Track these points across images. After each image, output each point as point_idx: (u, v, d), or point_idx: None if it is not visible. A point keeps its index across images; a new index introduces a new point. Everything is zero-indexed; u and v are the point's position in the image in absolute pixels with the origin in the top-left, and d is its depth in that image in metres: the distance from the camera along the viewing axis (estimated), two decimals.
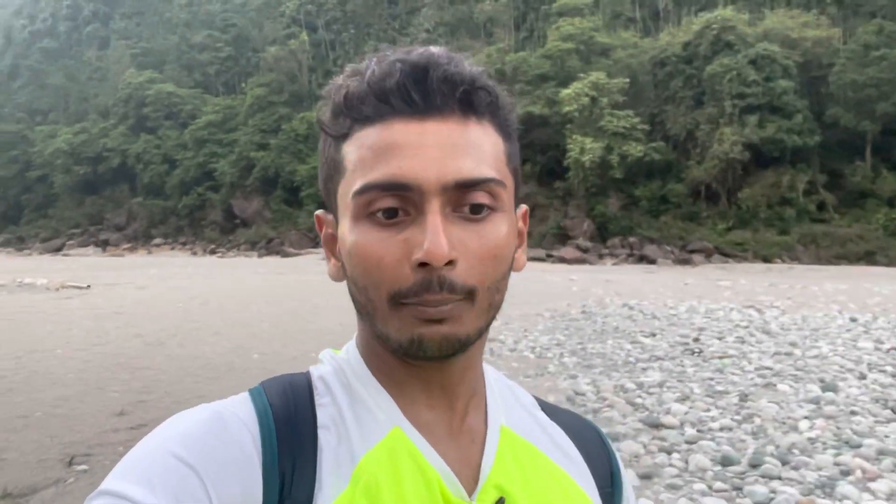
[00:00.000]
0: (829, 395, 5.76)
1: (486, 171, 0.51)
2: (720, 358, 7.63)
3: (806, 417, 5.10)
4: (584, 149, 39.48)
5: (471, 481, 0.55)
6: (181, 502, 0.44)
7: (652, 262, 33.93)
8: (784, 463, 4.13)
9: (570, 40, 45.05)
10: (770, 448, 4.42)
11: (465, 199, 0.50)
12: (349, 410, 0.55)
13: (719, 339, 9.01)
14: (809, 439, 4.61)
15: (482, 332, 0.54)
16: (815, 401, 5.59)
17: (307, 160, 46.34)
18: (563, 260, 34.80)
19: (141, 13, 75.19)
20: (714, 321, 10.87)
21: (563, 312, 12.13)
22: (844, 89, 35.55)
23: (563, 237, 39.53)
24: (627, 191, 41.16)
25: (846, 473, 3.94)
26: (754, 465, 4.08)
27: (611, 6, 50.86)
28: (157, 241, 54.26)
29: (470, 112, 0.52)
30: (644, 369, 7.18)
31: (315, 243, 36.89)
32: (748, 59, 38.76)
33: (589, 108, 40.28)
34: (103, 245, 53.88)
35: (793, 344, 8.43)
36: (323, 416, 0.54)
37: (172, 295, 15.95)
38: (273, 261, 36.78)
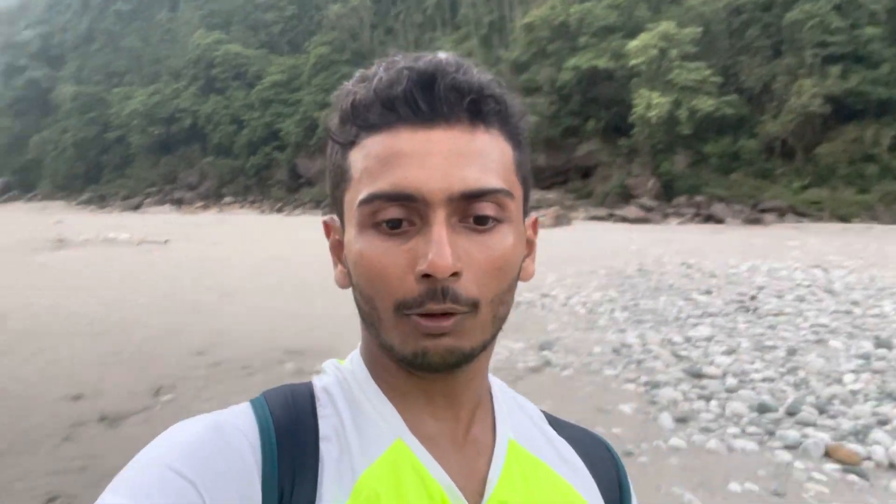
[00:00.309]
0: (882, 351, 5.67)
1: (492, 181, 0.50)
2: (775, 315, 7.52)
3: (852, 371, 5.07)
4: (650, 104, 38.09)
5: (475, 495, 0.54)
6: None
7: (720, 221, 32.80)
8: (822, 412, 4.17)
9: None
10: (810, 398, 4.45)
11: (471, 209, 0.50)
12: (351, 422, 0.54)
13: (778, 297, 8.84)
14: (852, 391, 4.61)
15: (487, 345, 0.53)
16: (866, 356, 5.52)
17: None
18: (624, 219, 34.07)
19: None
20: (775, 280, 10.61)
21: (618, 270, 12.05)
22: None
23: (627, 196, 38.59)
24: (696, 147, 39.61)
25: (883, 423, 3.95)
26: (791, 413, 4.14)
27: None
28: (227, 199, 56.13)
29: (478, 120, 0.51)
30: (694, 325, 7.16)
31: None
32: (832, 5, 36.24)
33: (657, 60, 38.69)
34: (178, 203, 56.15)
35: (854, 303, 8.21)
36: (325, 427, 0.54)
37: (242, 249, 16.70)
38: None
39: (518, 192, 0.53)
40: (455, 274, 0.48)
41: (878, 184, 33.24)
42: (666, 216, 35.76)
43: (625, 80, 39.80)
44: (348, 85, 0.54)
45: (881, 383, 4.79)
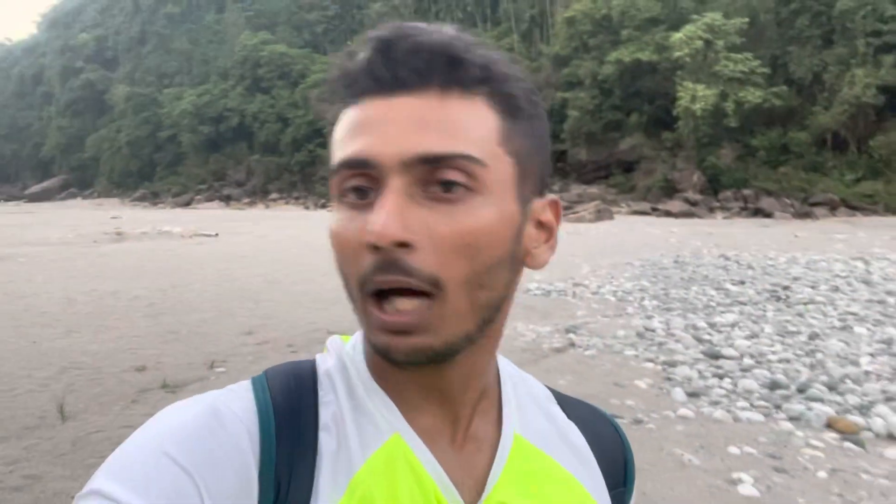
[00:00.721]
0: None
1: (457, 146, 0.46)
2: (804, 304, 7.61)
3: (870, 354, 5.20)
4: (695, 96, 37.50)
5: (473, 493, 0.52)
6: None
7: (768, 215, 32.09)
8: (832, 389, 4.34)
9: None
10: (823, 378, 4.62)
11: (434, 177, 0.46)
12: (350, 413, 0.52)
13: (812, 287, 8.89)
14: (865, 372, 4.76)
15: (473, 337, 0.49)
16: (888, 342, 5.62)
17: None
18: (668, 214, 33.65)
19: None
20: (812, 271, 10.61)
21: (654, 262, 12.16)
22: None
23: (670, 190, 38.07)
24: (743, 140, 38.80)
25: (890, 399, 4.11)
26: (801, 391, 4.33)
27: None
28: (274, 195, 57.46)
29: (451, 85, 0.47)
30: (722, 312, 7.31)
31: None
32: None
33: (702, 52, 38.04)
34: (226, 200, 57.75)
35: (889, 292, 8.21)
36: (325, 415, 0.52)
37: (288, 242, 17.35)
38: None
39: (503, 164, 0.48)
40: (405, 245, 0.44)
41: None
42: (711, 210, 35.20)
43: (668, 73, 39.27)
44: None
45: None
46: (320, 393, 0.53)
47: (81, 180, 72.86)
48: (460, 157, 0.45)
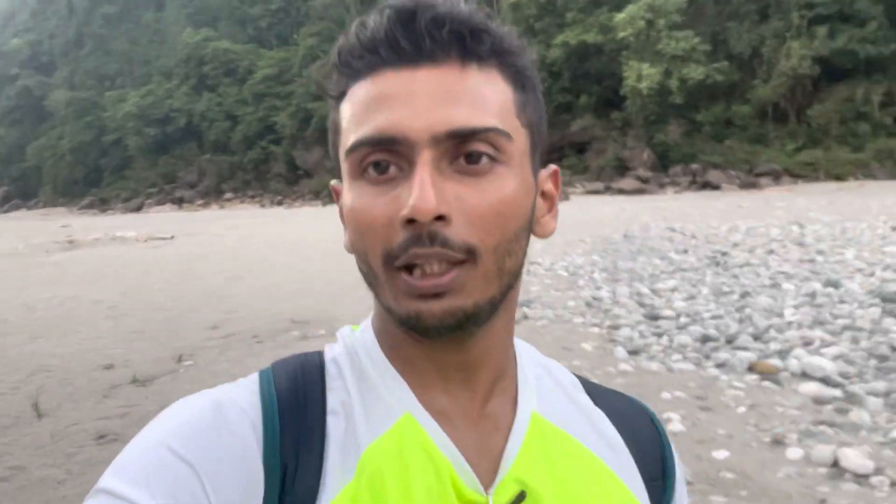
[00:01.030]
0: (829, 290, 6.29)
1: (485, 119, 0.46)
2: (740, 267, 8.14)
3: (794, 307, 5.69)
4: (641, 75, 38.36)
5: (490, 473, 0.51)
6: (178, 502, 0.43)
7: (716, 188, 33.18)
8: (756, 339, 4.79)
9: None
10: (750, 329, 5.07)
11: (461, 150, 0.46)
12: (359, 395, 0.52)
13: (749, 252, 9.46)
14: (788, 322, 5.23)
15: (496, 303, 0.49)
16: (812, 295, 6.13)
17: None
18: (621, 191, 34.49)
19: None
20: (751, 237, 11.23)
21: (604, 237, 12.67)
22: None
23: (622, 169, 38.97)
24: (689, 116, 39.89)
25: (807, 344, 4.58)
26: (729, 342, 4.77)
27: None
28: (228, 195, 56.66)
29: (470, 58, 0.47)
30: (665, 279, 7.77)
31: None
32: None
33: (645, 31, 38.88)
34: (179, 202, 56.70)
35: (820, 252, 8.81)
36: (333, 400, 0.52)
37: (246, 240, 17.35)
38: (335, 208, 38.01)
39: (520, 136, 0.49)
40: (442, 218, 0.44)
41: (871, 142, 33.55)
42: (662, 186, 36.16)
43: (614, 54, 40.03)
44: (342, 36, 0.51)
45: (816, 314, 5.43)
46: (328, 380, 0.53)
47: (24, 191, 70.46)
48: (490, 130, 0.46)
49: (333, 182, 0.56)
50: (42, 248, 17.95)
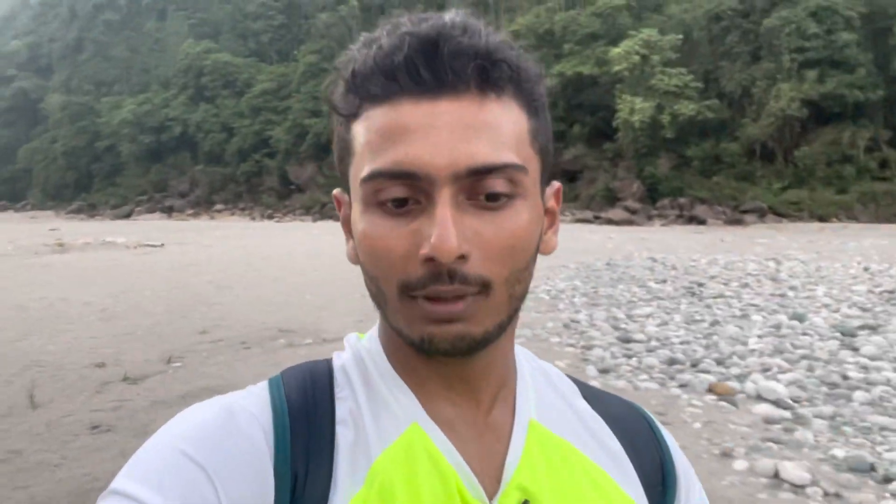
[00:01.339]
0: (794, 322, 6.61)
1: (503, 155, 0.46)
2: (713, 298, 8.46)
3: (758, 336, 5.99)
4: (633, 109, 39.02)
5: (493, 482, 0.51)
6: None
7: (702, 222, 33.66)
8: (719, 363, 5.08)
9: None
10: (714, 355, 5.37)
11: (480, 186, 0.46)
12: (367, 405, 0.52)
13: (724, 284, 9.79)
14: (751, 350, 5.52)
15: (504, 326, 0.50)
16: (777, 326, 6.44)
17: None
18: (610, 221, 34.90)
19: None
20: (728, 271, 11.58)
21: (588, 264, 12.98)
22: None
23: (612, 199, 39.50)
24: (679, 151, 40.54)
25: (766, 370, 4.87)
26: (694, 365, 5.05)
27: None
28: (219, 206, 56.68)
29: (488, 88, 0.47)
30: (642, 306, 8.07)
31: None
32: (808, 12, 37.33)
33: (639, 66, 39.65)
34: (168, 211, 56.64)
35: (792, 287, 9.15)
36: (341, 410, 0.52)
37: (236, 251, 17.52)
38: (326, 224, 38.52)
39: (534, 164, 0.50)
40: (462, 257, 0.45)
41: (855, 184, 34.22)
42: (650, 218, 36.68)
43: (609, 86, 40.78)
44: (352, 50, 0.50)
45: (778, 343, 5.73)
46: (336, 389, 0.54)
47: (12, 193, 70.19)
48: (506, 167, 0.46)
49: (336, 191, 0.57)
50: (31, 250, 18.05)
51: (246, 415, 0.50)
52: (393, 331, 0.52)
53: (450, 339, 0.47)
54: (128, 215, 55.92)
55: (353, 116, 0.49)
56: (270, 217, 49.49)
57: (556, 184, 0.57)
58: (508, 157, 0.47)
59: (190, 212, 55.46)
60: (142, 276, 11.86)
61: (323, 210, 46.25)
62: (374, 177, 0.47)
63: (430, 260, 0.45)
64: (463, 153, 0.45)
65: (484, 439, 0.53)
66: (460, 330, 0.47)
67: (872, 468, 3.24)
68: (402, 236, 0.46)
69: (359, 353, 0.57)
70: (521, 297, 0.51)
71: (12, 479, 3.31)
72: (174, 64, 65.26)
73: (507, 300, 0.48)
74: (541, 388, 0.59)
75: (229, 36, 67.84)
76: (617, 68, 39.45)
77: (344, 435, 0.51)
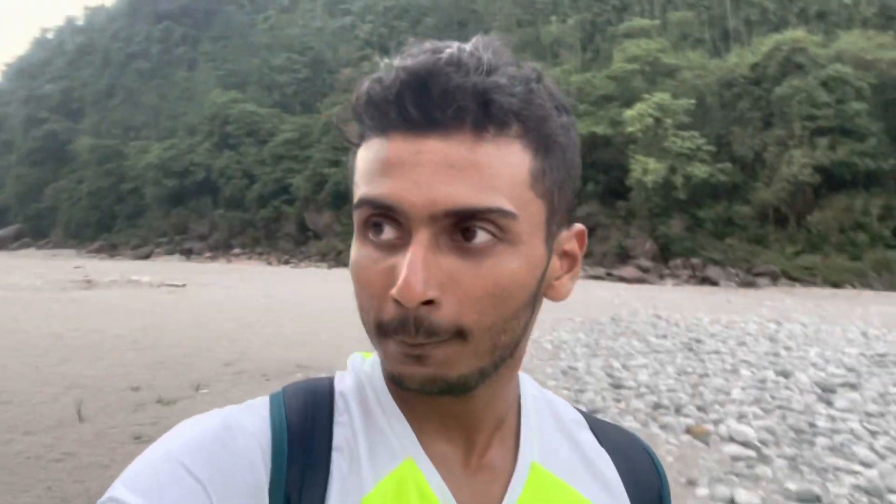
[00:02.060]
0: (780, 378, 7.03)
1: (487, 199, 0.44)
2: (708, 353, 8.89)
3: (741, 388, 6.43)
4: (646, 169, 39.64)
5: None
6: None
7: (714, 283, 33.67)
8: (700, 410, 5.54)
9: (635, 61, 45.51)
10: (697, 402, 5.82)
11: (459, 227, 0.45)
12: (364, 435, 0.52)
13: (723, 342, 10.20)
14: (732, 400, 5.97)
15: (487, 373, 0.48)
16: (763, 380, 6.88)
17: None
18: (622, 279, 35.13)
19: (227, 37, 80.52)
20: (728, 329, 11.98)
21: (594, 318, 13.44)
22: None
23: (625, 257, 39.87)
24: (691, 212, 40.93)
25: (742, 417, 5.32)
26: (677, 410, 5.51)
27: (679, 27, 51.18)
28: (236, 250, 57.60)
29: (485, 125, 0.45)
30: (639, 358, 8.50)
31: None
32: (819, 81, 38.10)
33: (653, 128, 40.46)
34: (187, 253, 57.62)
35: (787, 347, 9.54)
36: (339, 436, 0.52)
37: (255, 293, 18.17)
38: (341, 271, 39.24)
39: (534, 208, 0.47)
40: (430, 302, 0.44)
41: (869, 251, 34.36)
42: (662, 277, 36.87)
43: (622, 147, 41.60)
44: (364, 80, 0.49)
45: (759, 395, 6.17)
46: (335, 414, 0.54)
47: (36, 230, 71.94)
48: (490, 211, 0.44)
49: None
50: (59, 285, 18.83)
51: (243, 431, 0.49)
52: None
53: (418, 381, 0.47)
54: (147, 256, 56.93)
55: (357, 144, 0.50)
56: (287, 262, 50.25)
57: (578, 226, 0.55)
58: (494, 200, 0.45)
59: (208, 254, 56.38)
60: (167, 312, 12.51)
61: (338, 257, 46.90)
62: (361, 204, 0.47)
63: (397, 301, 0.44)
64: (442, 194, 0.44)
65: (478, 479, 0.53)
66: (432, 373, 0.46)
67: (818, 499, 3.68)
68: (380, 272, 0.46)
69: (360, 378, 0.57)
70: (510, 346, 0.50)
71: (70, 475, 3.84)
72: (200, 112, 67.48)
73: (488, 349, 0.47)
74: (545, 424, 0.58)
75: (255, 87, 70.25)
76: (630, 129, 40.27)
77: (339, 463, 0.51)
